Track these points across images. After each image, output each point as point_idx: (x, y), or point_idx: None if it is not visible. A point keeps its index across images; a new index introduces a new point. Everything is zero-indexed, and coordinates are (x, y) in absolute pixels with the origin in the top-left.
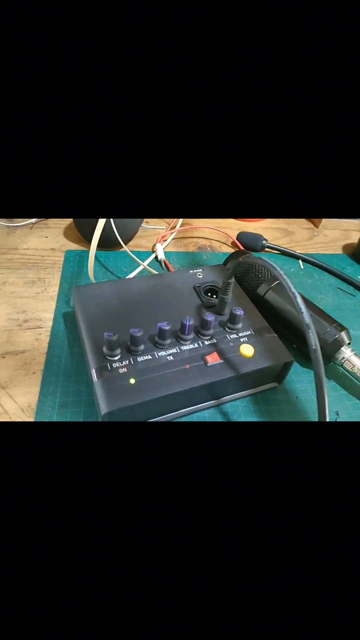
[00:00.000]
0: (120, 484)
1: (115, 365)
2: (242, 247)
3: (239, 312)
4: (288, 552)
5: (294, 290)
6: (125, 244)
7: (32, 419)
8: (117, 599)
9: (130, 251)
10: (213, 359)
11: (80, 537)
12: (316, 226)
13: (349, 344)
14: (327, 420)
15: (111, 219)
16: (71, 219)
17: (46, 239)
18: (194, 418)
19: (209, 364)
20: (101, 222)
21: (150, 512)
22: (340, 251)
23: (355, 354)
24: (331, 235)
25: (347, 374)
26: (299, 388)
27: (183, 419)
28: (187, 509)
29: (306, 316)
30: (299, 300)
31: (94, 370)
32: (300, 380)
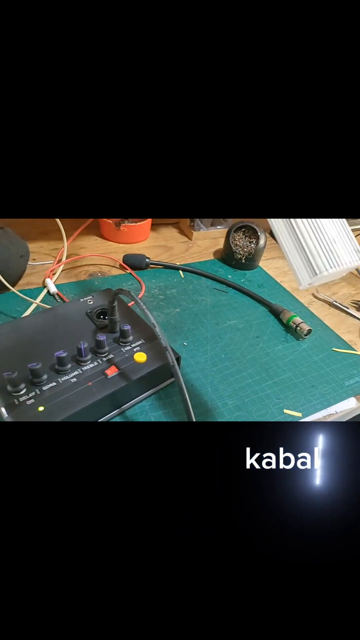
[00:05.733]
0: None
1: (22, 399)
2: (128, 268)
3: (126, 327)
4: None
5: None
6: (14, 285)
7: None
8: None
9: (19, 291)
10: (112, 371)
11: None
12: (190, 238)
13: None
14: (194, 420)
15: None
16: None
17: None
18: None
19: (109, 377)
20: None
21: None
22: (211, 257)
23: None
24: (203, 244)
25: None
26: (192, 377)
27: None
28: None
29: (163, 341)
30: (158, 329)
31: (2, 409)
32: (192, 369)
